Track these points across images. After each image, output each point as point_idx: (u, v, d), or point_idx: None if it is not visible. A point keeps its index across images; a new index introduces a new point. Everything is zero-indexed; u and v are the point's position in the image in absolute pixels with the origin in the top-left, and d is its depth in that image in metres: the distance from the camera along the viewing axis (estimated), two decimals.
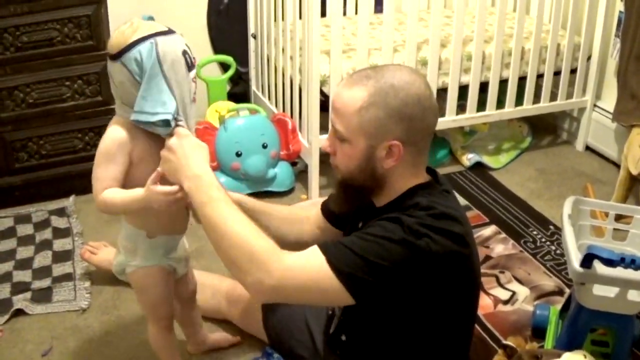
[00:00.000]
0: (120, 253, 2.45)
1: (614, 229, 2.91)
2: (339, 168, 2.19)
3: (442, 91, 4.15)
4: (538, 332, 2.91)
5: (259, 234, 2.08)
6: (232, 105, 4.22)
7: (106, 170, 2.22)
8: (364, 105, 2.05)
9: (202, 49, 4.69)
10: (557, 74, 4.43)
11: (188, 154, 2.15)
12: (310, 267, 2.04)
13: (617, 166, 4.15)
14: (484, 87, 4.26)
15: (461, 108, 4.26)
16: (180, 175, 2.14)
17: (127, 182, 2.25)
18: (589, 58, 4.48)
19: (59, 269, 3.36)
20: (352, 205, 2.30)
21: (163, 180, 2.18)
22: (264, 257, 2.03)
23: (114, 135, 2.22)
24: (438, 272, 2.05)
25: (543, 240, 3.67)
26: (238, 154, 3.87)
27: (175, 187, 2.17)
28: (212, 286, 2.99)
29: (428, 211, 2.07)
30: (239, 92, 4.79)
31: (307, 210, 2.67)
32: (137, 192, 2.20)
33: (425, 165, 2.23)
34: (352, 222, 2.36)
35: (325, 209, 2.56)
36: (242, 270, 2.06)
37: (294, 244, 2.40)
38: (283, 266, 2.03)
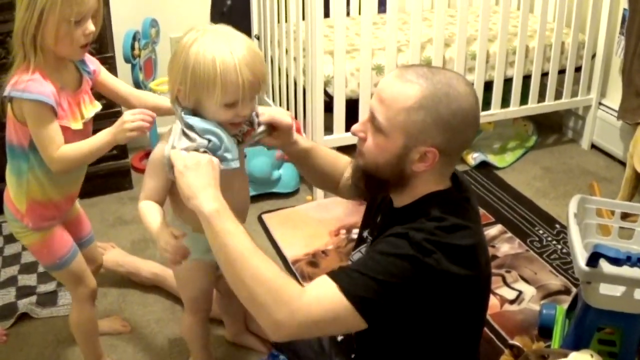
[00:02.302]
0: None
1: (620, 228, 2.89)
2: (365, 156, 2.13)
3: None
4: (545, 331, 2.89)
5: (279, 272, 2.01)
6: None
7: (148, 181, 2.24)
8: (414, 105, 2.00)
9: None
10: (561, 72, 4.43)
11: (204, 179, 2.06)
12: (325, 298, 1.99)
13: (623, 164, 4.14)
14: (488, 86, 4.25)
15: None
16: (195, 203, 2.03)
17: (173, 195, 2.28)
18: (593, 56, 4.47)
19: None
20: (369, 192, 2.28)
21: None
22: (283, 299, 1.96)
23: (157, 152, 2.22)
24: (447, 288, 2.02)
25: (549, 239, 3.66)
26: None
27: (179, 241, 2.14)
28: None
29: (439, 223, 2.04)
30: None
31: (348, 161, 2.60)
32: (154, 225, 2.19)
33: (451, 174, 2.19)
34: (373, 213, 2.35)
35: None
36: (264, 308, 1.98)
37: (328, 186, 2.65)
38: (301, 306, 1.97)
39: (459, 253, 2.01)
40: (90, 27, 2.29)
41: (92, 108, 2.49)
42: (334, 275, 2.03)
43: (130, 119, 2.28)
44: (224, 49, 2.05)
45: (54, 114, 2.28)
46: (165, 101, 2.50)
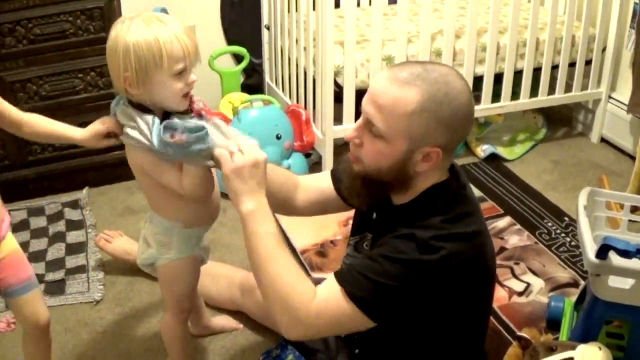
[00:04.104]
0: (150, 246, 2.43)
1: (630, 221, 2.89)
2: (364, 162, 2.10)
3: None
4: (553, 324, 2.89)
5: (297, 278, 2.08)
6: (245, 96, 4.22)
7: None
8: (416, 110, 1.97)
9: (216, 40, 4.69)
10: (572, 65, 4.42)
11: (255, 179, 2.10)
12: (332, 302, 2.05)
13: (632, 158, 4.12)
14: (498, 78, 4.24)
15: (476, 99, 4.22)
16: (241, 198, 2.09)
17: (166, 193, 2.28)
18: (604, 49, 4.45)
19: (72, 261, 3.36)
20: (371, 199, 2.22)
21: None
22: (296, 304, 2.04)
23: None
24: (455, 279, 2.04)
25: (558, 231, 3.65)
26: None
27: None
28: (227, 277, 2.99)
29: (444, 215, 2.05)
30: (253, 83, 4.79)
31: (299, 180, 2.59)
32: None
33: (450, 164, 2.19)
34: (366, 211, 2.34)
35: (335, 178, 2.48)
36: (275, 311, 2.10)
37: (284, 207, 2.51)
38: (311, 312, 2.04)
39: (466, 240, 2.02)
40: None
41: None
42: (341, 277, 2.07)
43: None
44: (158, 26, 2.09)
45: None
46: (66, 129, 2.36)
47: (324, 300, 2.06)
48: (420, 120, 1.98)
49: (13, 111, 2.29)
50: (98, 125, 2.27)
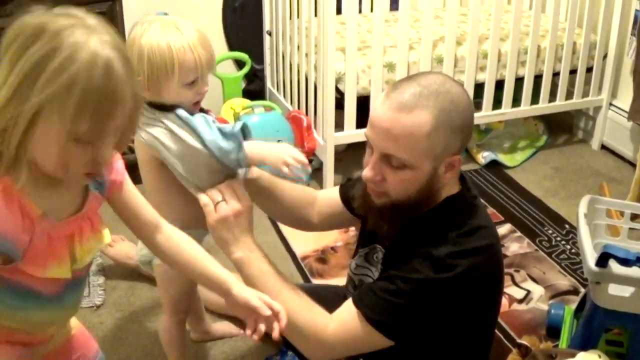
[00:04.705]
0: None
1: (630, 229, 2.89)
2: (391, 195, 2.07)
3: None
4: (553, 331, 2.89)
5: (306, 305, 2.14)
6: (247, 102, 4.23)
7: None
8: (432, 129, 1.95)
9: (217, 46, 4.69)
10: (573, 72, 4.43)
11: (240, 227, 2.19)
12: (351, 326, 2.08)
13: (633, 165, 4.13)
14: (499, 85, 4.25)
15: (477, 106, 4.25)
16: (230, 248, 2.20)
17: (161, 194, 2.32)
18: (605, 56, 4.46)
19: None
20: (400, 219, 2.15)
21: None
22: (310, 332, 2.10)
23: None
24: (470, 294, 2.06)
25: (558, 239, 3.66)
26: None
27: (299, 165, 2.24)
28: None
29: (459, 230, 2.05)
30: (254, 89, 4.80)
31: (315, 193, 2.63)
32: None
33: (460, 174, 2.21)
34: (376, 220, 2.29)
35: (344, 195, 2.49)
36: (295, 342, 2.19)
37: (301, 223, 2.56)
38: (328, 336, 2.10)
39: (481, 254, 2.03)
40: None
41: (95, 245, 1.75)
42: (357, 299, 2.09)
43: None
44: (174, 33, 2.09)
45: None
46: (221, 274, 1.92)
47: (341, 324, 2.10)
48: (439, 137, 1.98)
49: (149, 212, 1.89)
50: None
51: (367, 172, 2.06)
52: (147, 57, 2.07)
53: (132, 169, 1.98)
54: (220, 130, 2.15)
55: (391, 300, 2.02)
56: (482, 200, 2.24)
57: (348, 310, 2.10)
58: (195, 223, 2.37)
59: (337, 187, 2.57)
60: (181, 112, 2.14)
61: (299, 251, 3.52)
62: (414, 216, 2.13)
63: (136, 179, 2.33)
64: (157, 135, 2.15)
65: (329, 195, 2.58)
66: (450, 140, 2.00)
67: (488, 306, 2.20)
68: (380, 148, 2.02)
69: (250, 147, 2.19)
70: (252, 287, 2.04)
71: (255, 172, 2.40)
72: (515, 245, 3.60)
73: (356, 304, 2.08)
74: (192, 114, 2.18)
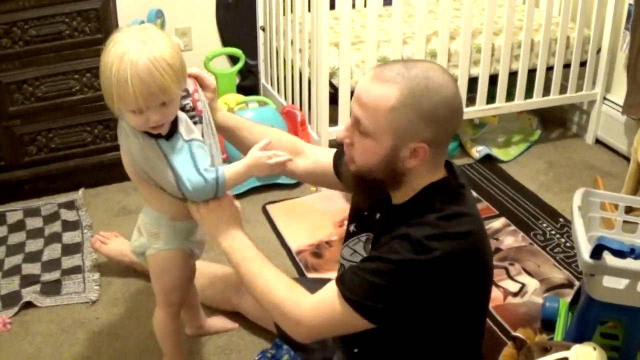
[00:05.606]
0: (142, 235, 2.46)
1: (624, 221, 2.90)
2: (356, 161, 2.13)
3: None
4: (547, 324, 2.90)
5: (287, 284, 2.22)
6: (241, 97, 4.22)
7: None
8: (396, 105, 1.99)
9: (211, 41, 4.69)
10: (566, 66, 4.43)
11: (223, 219, 2.30)
12: (329, 303, 2.11)
13: (627, 159, 4.14)
14: (493, 79, 4.25)
15: (471, 100, 4.26)
16: (218, 236, 2.29)
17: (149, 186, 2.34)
18: (598, 51, 4.46)
19: (68, 262, 3.36)
20: (370, 197, 2.27)
21: None
22: (289, 308, 2.16)
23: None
24: (449, 280, 2.04)
25: (553, 232, 3.66)
26: None
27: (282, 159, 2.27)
28: (222, 278, 2.99)
29: (439, 213, 2.06)
30: (248, 84, 4.80)
31: (304, 146, 2.65)
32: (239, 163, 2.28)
33: (444, 161, 2.20)
34: (370, 212, 2.35)
35: (337, 161, 2.50)
36: (277, 320, 2.26)
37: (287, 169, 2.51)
38: (306, 313, 2.14)
39: (460, 237, 2.03)
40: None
41: None
42: (338, 279, 2.12)
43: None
44: (125, 59, 2.01)
45: None
46: None
47: (320, 301, 2.14)
48: (402, 115, 2.00)
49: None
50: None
51: (340, 132, 2.17)
52: (101, 75, 2.08)
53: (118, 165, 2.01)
54: (202, 175, 2.20)
55: (369, 280, 2.03)
56: (472, 192, 2.25)
57: (329, 289, 2.13)
58: (184, 216, 2.38)
59: (332, 151, 2.59)
60: (164, 144, 2.17)
61: (294, 246, 3.53)
62: (380, 194, 2.21)
63: (126, 175, 2.34)
64: (133, 152, 2.22)
65: (321, 155, 2.61)
66: (415, 124, 2.01)
67: (474, 296, 2.20)
68: (352, 112, 2.09)
69: (229, 177, 2.25)
70: (237, 273, 2.26)
71: (237, 120, 2.56)
72: (509, 239, 3.61)
73: (337, 283, 2.11)
74: (187, 110, 2.19)
